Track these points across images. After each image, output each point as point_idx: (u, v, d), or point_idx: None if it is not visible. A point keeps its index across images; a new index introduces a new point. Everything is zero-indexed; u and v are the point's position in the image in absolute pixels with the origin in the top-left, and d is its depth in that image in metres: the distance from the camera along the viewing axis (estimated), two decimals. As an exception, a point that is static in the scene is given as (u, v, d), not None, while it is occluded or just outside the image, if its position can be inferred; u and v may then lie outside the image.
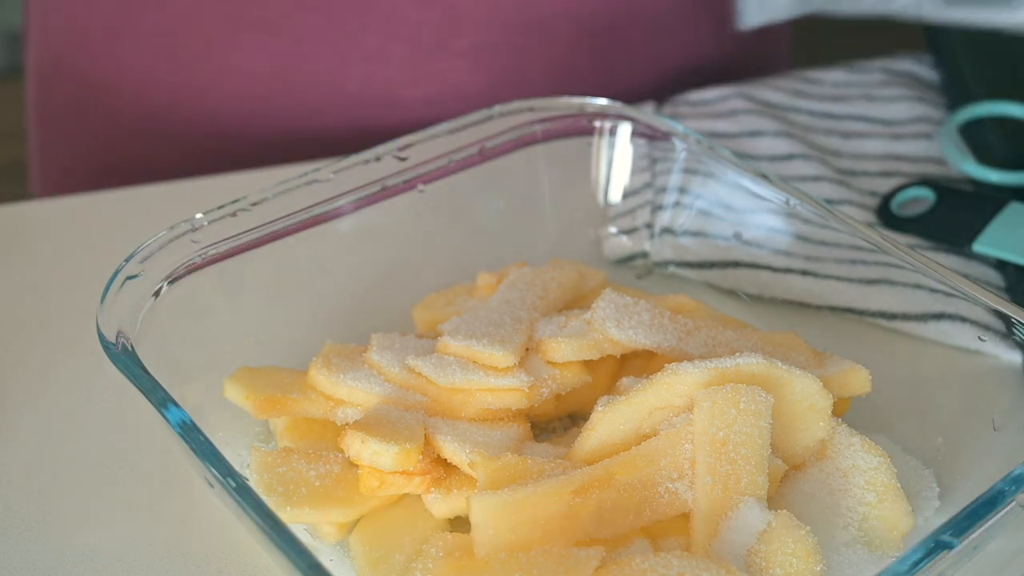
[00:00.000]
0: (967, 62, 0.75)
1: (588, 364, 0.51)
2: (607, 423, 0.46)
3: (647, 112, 0.62)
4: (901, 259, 0.53)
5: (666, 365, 0.47)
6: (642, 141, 0.62)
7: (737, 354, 0.47)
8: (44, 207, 0.70)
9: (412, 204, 0.58)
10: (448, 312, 0.55)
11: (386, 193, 0.57)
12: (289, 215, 0.55)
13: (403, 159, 0.58)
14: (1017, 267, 0.61)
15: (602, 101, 0.61)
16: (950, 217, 0.64)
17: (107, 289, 0.49)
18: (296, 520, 0.46)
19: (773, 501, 0.46)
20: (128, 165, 0.81)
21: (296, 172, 0.68)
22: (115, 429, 0.55)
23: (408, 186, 0.58)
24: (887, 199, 0.66)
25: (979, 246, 0.61)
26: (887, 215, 0.65)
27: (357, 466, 0.47)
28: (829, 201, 0.66)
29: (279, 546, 0.39)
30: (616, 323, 0.50)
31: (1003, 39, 0.77)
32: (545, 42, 0.79)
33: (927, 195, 0.66)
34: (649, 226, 0.63)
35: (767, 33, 0.86)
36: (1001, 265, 0.62)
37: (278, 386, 0.51)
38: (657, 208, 0.63)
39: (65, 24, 0.82)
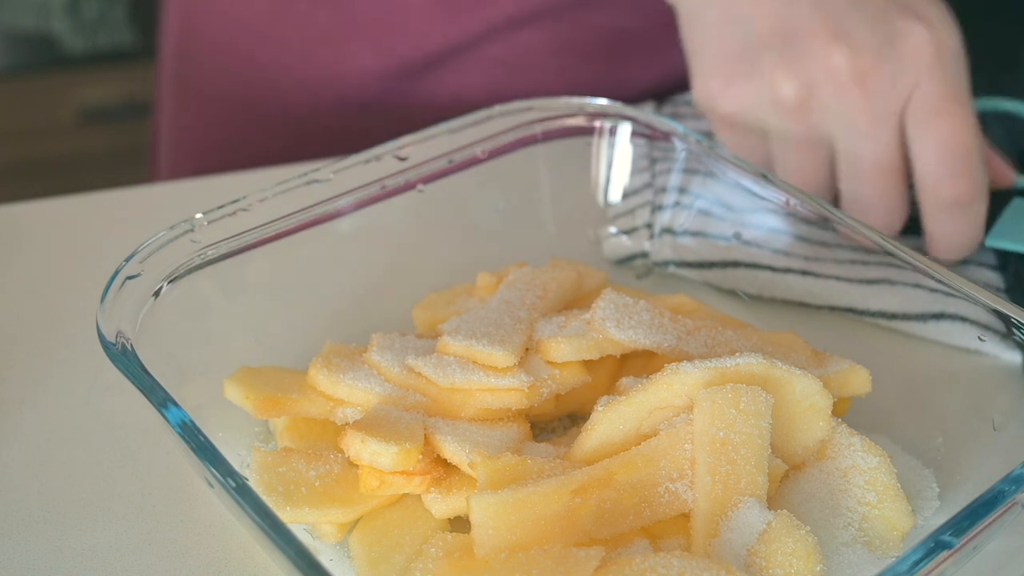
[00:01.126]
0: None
1: (588, 364, 0.51)
2: (607, 423, 0.46)
3: (647, 112, 0.62)
4: (901, 259, 0.53)
5: (666, 365, 0.47)
6: (642, 141, 0.62)
7: (737, 354, 0.47)
8: (45, 207, 0.70)
9: (412, 204, 0.58)
10: (448, 312, 0.55)
11: (386, 193, 0.57)
12: (289, 215, 0.55)
13: (403, 159, 0.58)
14: (1017, 267, 0.60)
15: (602, 101, 0.61)
16: None
17: (107, 289, 0.49)
18: (296, 520, 0.46)
19: (773, 501, 0.46)
20: (270, 148, 0.82)
21: (296, 172, 0.68)
22: (115, 429, 0.55)
23: (408, 186, 0.58)
24: None
25: (991, 241, 0.61)
26: None
27: (357, 466, 0.47)
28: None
29: (279, 546, 0.39)
30: (616, 323, 0.50)
31: (1003, 38, 0.77)
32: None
33: None
34: (649, 226, 0.63)
35: None
36: (1001, 266, 0.62)
37: (278, 386, 0.51)
38: (657, 208, 0.63)
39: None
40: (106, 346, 0.47)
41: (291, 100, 0.82)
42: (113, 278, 0.50)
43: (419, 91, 0.80)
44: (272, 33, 0.80)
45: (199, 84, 0.86)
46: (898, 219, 0.60)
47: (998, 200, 0.63)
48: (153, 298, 0.50)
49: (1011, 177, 0.63)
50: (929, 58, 0.57)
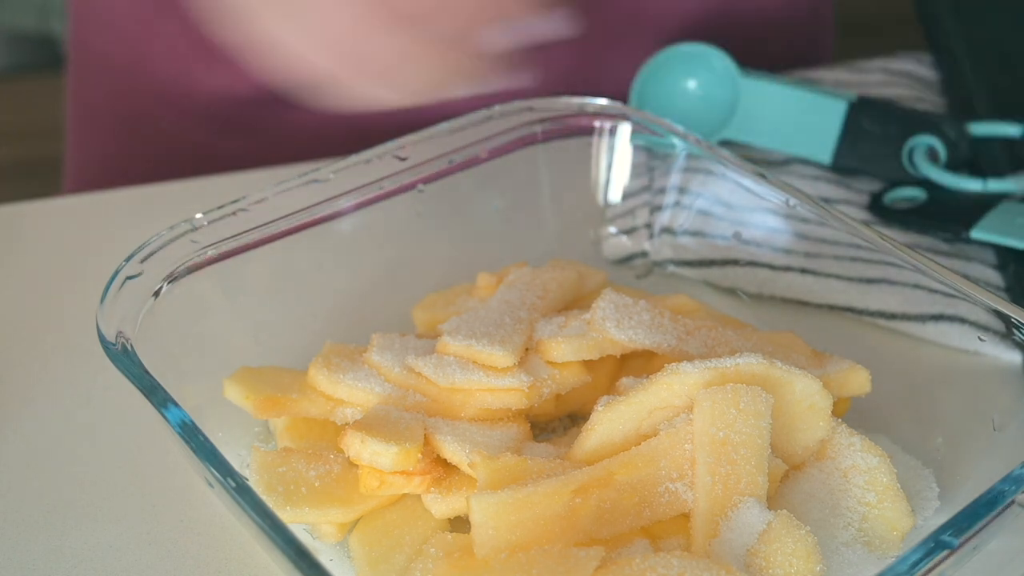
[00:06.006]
0: (967, 62, 0.75)
1: (588, 364, 0.51)
2: (607, 423, 0.46)
3: (647, 112, 0.62)
4: (900, 259, 0.53)
5: (666, 365, 0.47)
6: (642, 141, 0.62)
7: (737, 354, 0.47)
8: (45, 207, 0.70)
9: (412, 204, 0.58)
10: (448, 312, 0.55)
11: (386, 193, 0.57)
12: (289, 215, 0.55)
13: (403, 159, 0.58)
14: (1017, 267, 0.61)
15: (602, 101, 0.61)
16: (943, 212, 0.64)
17: (107, 289, 0.49)
18: (296, 520, 0.46)
19: (773, 501, 0.46)
20: (155, 165, 0.81)
21: (296, 172, 0.68)
22: (115, 429, 0.55)
23: (408, 186, 0.58)
24: (877, 197, 0.66)
25: (976, 233, 0.61)
26: (879, 208, 0.65)
27: (357, 466, 0.47)
28: (827, 201, 0.66)
29: (279, 546, 0.39)
30: (616, 323, 0.50)
31: (1003, 38, 0.77)
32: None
33: (918, 195, 0.66)
34: (648, 226, 0.63)
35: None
36: (1001, 265, 0.62)
37: (278, 386, 0.51)
38: (656, 208, 0.63)
39: (103, 15, 0.82)
40: (106, 346, 0.47)
41: (163, 116, 0.82)
42: (113, 278, 0.50)
43: (284, 114, 0.80)
44: (147, 49, 0.80)
45: (92, 99, 0.86)
46: None
47: (984, 204, 0.63)
48: (153, 298, 0.50)
49: None
50: None
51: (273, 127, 0.80)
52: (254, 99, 0.79)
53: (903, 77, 0.78)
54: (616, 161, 0.62)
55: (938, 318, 0.57)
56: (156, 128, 0.83)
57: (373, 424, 0.47)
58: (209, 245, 0.53)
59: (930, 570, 0.39)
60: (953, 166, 0.67)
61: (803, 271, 0.60)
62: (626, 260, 0.64)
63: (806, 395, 0.46)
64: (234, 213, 0.54)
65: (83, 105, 0.88)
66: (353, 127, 0.79)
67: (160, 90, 0.81)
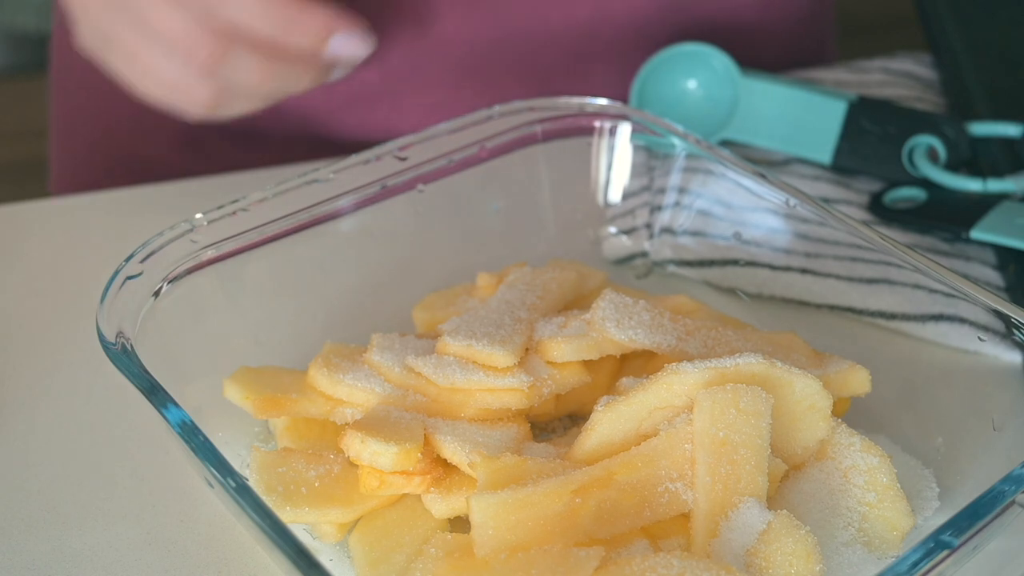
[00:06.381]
0: (967, 62, 0.75)
1: (588, 364, 0.51)
2: (607, 423, 0.46)
3: (647, 112, 0.62)
4: (900, 259, 0.53)
5: (666, 365, 0.47)
6: (641, 141, 0.62)
7: (737, 354, 0.47)
8: (44, 207, 0.70)
9: (412, 204, 0.58)
10: (448, 312, 0.55)
11: (386, 193, 0.57)
12: (289, 215, 0.55)
13: (403, 159, 0.58)
14: (1017, 267, 0.61)
15: (602, 101, 0.61)
16: (943, 212, 0.64)
17: (107, 289, 0.49)
18: (296, 520, 0.46)
19: (773, 501, 0.46)
20: (154, 163, 0.81)
21: (296, 172, 0.68)
22: (115, 429, 0.55)
23: (408, 186, 0.58)
24: (877, 197, 0.66)
25: (976, 233, 0.61)
26: (879, 208, 0.66)
27: (357, 466, 0.47)
28: (827, 201, 0.66)
29: (279, 546, 0.39)
30: (616, 323, 0.50)
31: (1003, 38, 0.77)
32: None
33: (918, 195, 0.66)
34: (648, 226, 0.63)
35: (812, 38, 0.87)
36: (1001, 265, 0.62)
37: (278, 386, 0.51)
38: (656, 208, 0.63)
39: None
40: (106, 346, 0.47)
41: (139, 136, 0.82)
42: (113, 278, 0.50)
43: (250, 141, 0.80)
44: None
45: (72, 110, 0.86)
46: None
47: (984, 204, 0.63)
48: (153, 298, 0.50)
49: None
50: None
51: (240, 153, 0.80)
52: (224, 125, 0.79)
53: (903, 77, 0.78)
54: (616, 161, 0.62)
55: (938, 318, 0.57)
56: (132, 146, 0.82)
57: (373, 424, 0.47)
58: (209, 245, 0.53)
59: (930, 570, 0.40)
60: (953, 166, 0.67)
61: (803, 271, 0.60)
62: (626, 260, 0.64)
63: (806, 395, 0.46)
64: (234, 213, 0.54)
65: (65, 112, 0.87)
66: (319, 155, 0.79)
67: (134, 112, 0.81)
